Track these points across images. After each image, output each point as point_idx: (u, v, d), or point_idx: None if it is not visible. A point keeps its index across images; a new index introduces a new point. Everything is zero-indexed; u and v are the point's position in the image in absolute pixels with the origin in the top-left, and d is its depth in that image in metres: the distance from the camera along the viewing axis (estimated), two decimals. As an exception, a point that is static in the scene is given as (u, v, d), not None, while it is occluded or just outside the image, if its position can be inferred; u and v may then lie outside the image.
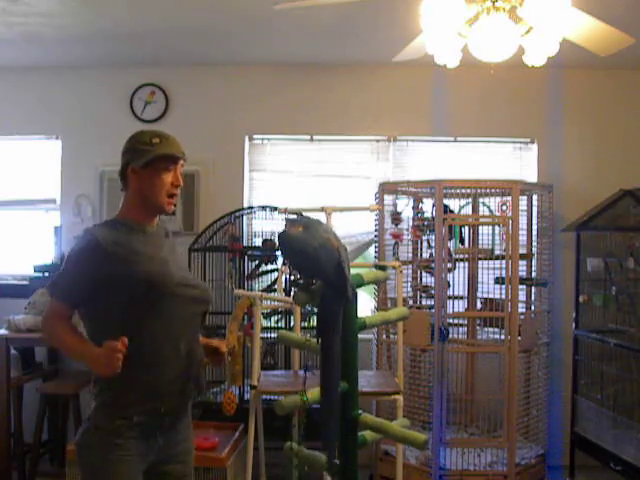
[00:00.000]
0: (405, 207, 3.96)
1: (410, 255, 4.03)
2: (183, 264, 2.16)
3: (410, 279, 3.99)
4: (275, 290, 3.97)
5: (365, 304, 3.91)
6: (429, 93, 4.33)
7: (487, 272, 3.84)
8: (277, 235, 1.80)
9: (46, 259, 4.43)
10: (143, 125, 4.35)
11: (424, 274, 4.00)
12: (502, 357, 3.62)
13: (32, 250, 4.59)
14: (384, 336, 3.90)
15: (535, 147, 4.49)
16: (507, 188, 3.66)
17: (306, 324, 3.95)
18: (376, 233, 3.96)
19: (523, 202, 3.81)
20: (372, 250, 4.03)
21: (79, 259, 1.94)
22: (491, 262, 3.80)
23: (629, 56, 3.34)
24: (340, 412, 1.79)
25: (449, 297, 3.73)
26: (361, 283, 1.84)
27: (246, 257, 4.19)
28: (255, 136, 4.55)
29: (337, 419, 1.76)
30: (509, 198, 3.61)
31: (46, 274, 4.26)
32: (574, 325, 4.02)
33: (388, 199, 3.96)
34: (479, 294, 3.96)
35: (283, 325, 4.12)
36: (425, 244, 3.98)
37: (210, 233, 4.24)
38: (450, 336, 3.67)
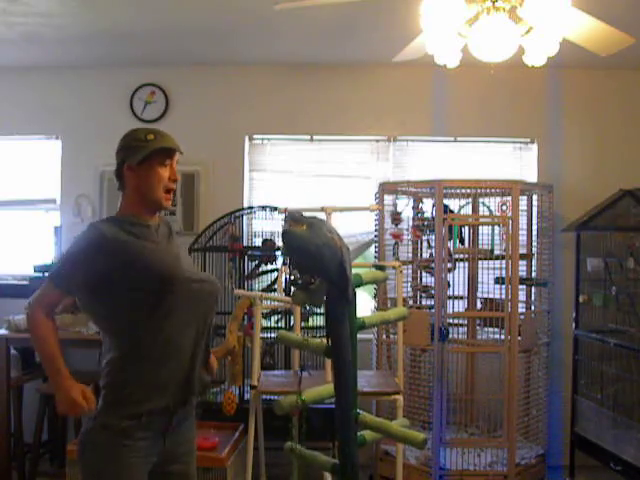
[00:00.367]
0: (405, 207, 3.96)
1: (410, 255, 4.03)
2: (190, 260, 2.17)
3: (410, 279, 4.00)
4: (275, 290, 3.97)
5: (365, 304, 3.91)
6: (429, 93, 4.33)
7: (487, 272, 3.84)
8: (281, 233, 1.79)
9: (46, 259, 4.42)
10: (143, 125, 4.35)
11: (424, 274, 4.00)
12: (502, 357, 3.62)
13: (32, 250, 4.59)
14: (384, 336, 3.90)
15: (535, 147, 4.49)
16: (507, 188, 3.66)
17: (306, 324, 3.95)
18: (376, 233, 3.96)
19: (523, 202, 3.81)
20: (372, 250, 4.03)
21: (84, 250, 1.92)
22: (491, 262, 3.80)
23: (629, 56, 3.34)
24: (355, 414, 1.78)
25: (449, 297, 3.73)
26: (360, 283, 1.84)
27: (246, 257, 4.19)
28: (255, 136, 4.55)
29: (353, 422, 1.75)
30: (509, 198, 3.61)
31: (46, 274, 4.26)
32: (574, 325, 4.02)
33: (388, 199, 3.96)
34: (479, 294, 3.97)
35: (283, 325, 4.13)
36: (425, 244, 3.98)
37: (210, 233, 4.24)
38: (450, 336, 3.67)
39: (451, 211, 3.78)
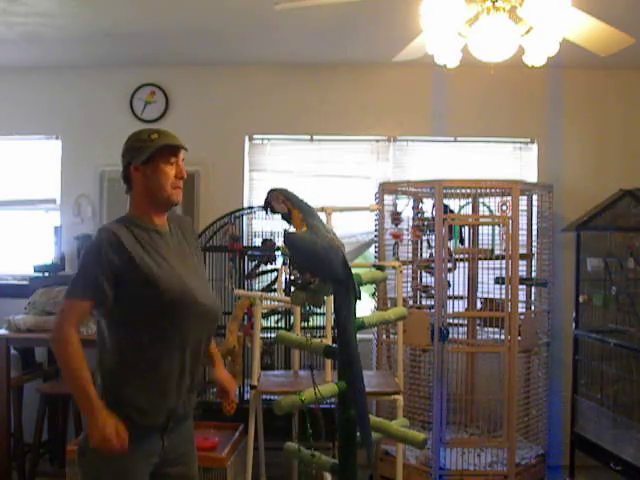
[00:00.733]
0: (405, 207, 3.96)
1: (410, 255, 4.03)
2: (199, 269, 2.11)
3: (410, 279, 4.00)
4: (275, 290, 3.97)
5: (365, 304, 3.90)
6: (429, 93, 4.33)
7: (487, 272, 3.84)
8: (285, 236, 1.78)
9: (46, 259, 4.43)
10: (143, 125, 4.35)
11: (424, 274, 4.00)
12: (502, 357, 3.62)
13: (32, 250, 4.59)
14: (384, 336, 3.91)
15: (535, 147, 4.48)
16: (507, 188, 3.66)
17: (306, 324, 3.95)
18: (376, 233, 3.96)
19: (523, 202, 3.81)
20: (372, 250, 4.03)
21: (98, 252, 1.88)
22: (491, 262, 3.81)
23: (629, 56, 3.34)
24: (366, 401, 1.80)
25: (449, 297, 3.73)
26: (360, 283, 1.84)
27: (246, 257, 4.19)
28: (255, 136, 4.55)
29: (366, 408, 1.77)
30: (509, 198, 3.61)
31: (46, 274, 4.27)
32: (574, 325, 4.02)
33: (388, 199, 3.96)
34: (479, 294, 3.97)
35: (283, 325, 4.13)
36: (425, 244, 3.98)
37: (210, 233, 4.24)
38: (450, 336, 3.67)
39: (451, 211, 3.78)
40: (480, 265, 3.91)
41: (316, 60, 4.36)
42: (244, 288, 4.13)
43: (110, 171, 4.33)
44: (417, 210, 3.93)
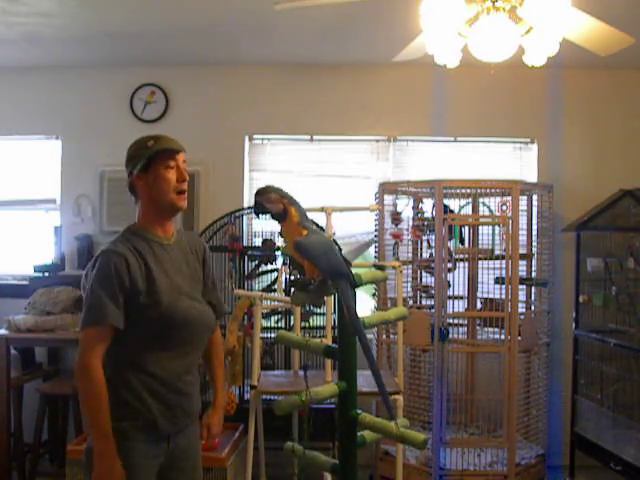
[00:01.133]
0: (405, 207, 3.96)
1: (410, 255, 4.03)
2: (195, 280, 2.08)
3: (410, 279, 4.00)
4: (275, 290, 3.97)
5: (365, 304, 3.91)
6: (429, 93, 4.33)
7: (487, 272, 3.84)
8: (297, 245, 1.74)
9: (46, 259, 4.43)
10: (143, 125, 4.36)
11: (424, 274, 4.01)
12: (502, 357, 3.62)
13: (32, 250, 4.59)
14: (384, 336, 3.91)
15: (535, 147, 4.49)
16: (507, 188, 3.66)
17: (306, 324, 3.95)
18: (376, 233, 3.96)
19: (523, 202, 3.81)
20: (372, 250, 4.03)
21: (105, 275, 1.88)
22: (491, 262, 3.81)
23: (629, 56, 3.34)
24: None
25: (449, 297, 3.73)
26: (360, 283, 1.84)
27: (246, 257, 4.19)
28: (255, 136, 4.55)
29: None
30: (509, 198, 3.61)
31: (46, 274, 4.27)
32: (574, 325, 4.02)
33: (388, 199, 3.96)
34: (479, 294, 3.97)
35: (283, 325, 4.13)
36: (425, 244, 3.98)
37: (210, 233, 4.24)
38: (450, 336, 3.67)
39: (451, 211, 3.78)
40: (480, 265, 3.91)
41: (316, 60, 4.36)
42: (244, 288, 4.13)
43: (110, 171, 4.33)
44: (417, 210, 3.93)
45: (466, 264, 3.94)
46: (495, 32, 2.46)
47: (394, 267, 3.36)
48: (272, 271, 4.18)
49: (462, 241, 3.87)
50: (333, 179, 4.51)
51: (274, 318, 4.14)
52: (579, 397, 3.96)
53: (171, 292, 1.95)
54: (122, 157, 2.05)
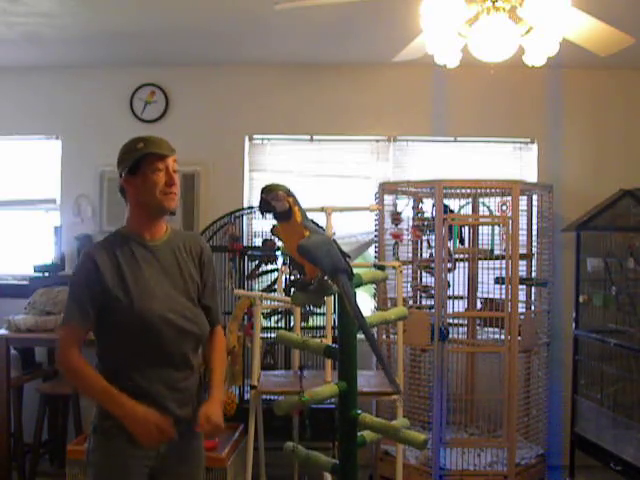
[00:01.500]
0: (405, 207, 3.96)
1: (410, 255, 4.03)
2: (184, 284, 2.01)
3: (410, 279, 4.00)
4: (275, 290, 3.97)
5: (365, 304, 3.91)
6: (429, 93, 4.33)
7: (487, 272, 3.84)
8: (300, 248, 1.73)
9: (46, 259, 4.43)
10: (143, 125, 4.36)
11: (424, 274, 4.00)
12: (502, 357, 3.62)
13: (32, 250, 4.59)
14: (384, 336, 3.91)
15: (535, 147, 4.49)
16: (507, 188, 3.66)
17: (306, 324, 3.95)
18: (376, 233, 3.96)
19: (523, 202, 3.81)
20: (372, 250, 4.03)
21: (78, 279, 1.93)
22: (491, 262, 3.81)
23: (629, 56, 3.34)
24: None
25: (449, 297, 3.73)
26: (360, 283, 1.84)
27: (246, 257, 4.19)
28: (255, 136, 4.55)
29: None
30: (509, 198, 3.61)
31: (46, 274, 4.27)
32: (574, 325, 4.02)
33: (388, 199, 3.96)
34: (479, 294, 3.97)
35: (283, 325, 4.13)
36: (425, 244, 3.98)
37: (210, 233, 4.24)
38: (450, 336, 3.67)
39: (451, 211, 3.78)
40: (480, 265, 3.91)
41: (316, 60, 4.36)
42: (244, 288, 4.13)
43: (110, 171, 4.32)
44: (417, 210, 3.93)
45: (466, 264, 3.94)
46: (495, 32, 2.46)
47: (394, 267, 3.36)
48: (272, 271, 4.18)
49: (462, 241, 3.87)
50: (333, 179, 4.50)
51: (274, 318, 4.14)
52: (579, 397, 3.96)
53: (144, 293, 1.91)
54: (122, 157, 2.06)
